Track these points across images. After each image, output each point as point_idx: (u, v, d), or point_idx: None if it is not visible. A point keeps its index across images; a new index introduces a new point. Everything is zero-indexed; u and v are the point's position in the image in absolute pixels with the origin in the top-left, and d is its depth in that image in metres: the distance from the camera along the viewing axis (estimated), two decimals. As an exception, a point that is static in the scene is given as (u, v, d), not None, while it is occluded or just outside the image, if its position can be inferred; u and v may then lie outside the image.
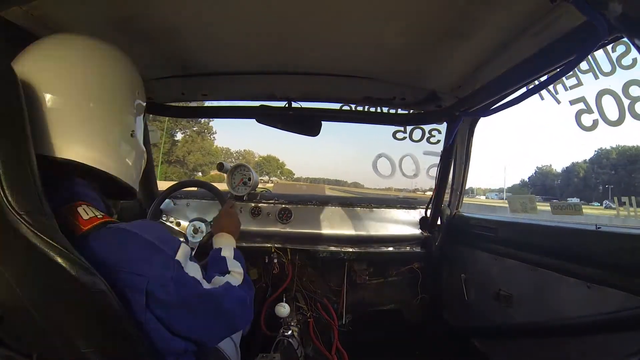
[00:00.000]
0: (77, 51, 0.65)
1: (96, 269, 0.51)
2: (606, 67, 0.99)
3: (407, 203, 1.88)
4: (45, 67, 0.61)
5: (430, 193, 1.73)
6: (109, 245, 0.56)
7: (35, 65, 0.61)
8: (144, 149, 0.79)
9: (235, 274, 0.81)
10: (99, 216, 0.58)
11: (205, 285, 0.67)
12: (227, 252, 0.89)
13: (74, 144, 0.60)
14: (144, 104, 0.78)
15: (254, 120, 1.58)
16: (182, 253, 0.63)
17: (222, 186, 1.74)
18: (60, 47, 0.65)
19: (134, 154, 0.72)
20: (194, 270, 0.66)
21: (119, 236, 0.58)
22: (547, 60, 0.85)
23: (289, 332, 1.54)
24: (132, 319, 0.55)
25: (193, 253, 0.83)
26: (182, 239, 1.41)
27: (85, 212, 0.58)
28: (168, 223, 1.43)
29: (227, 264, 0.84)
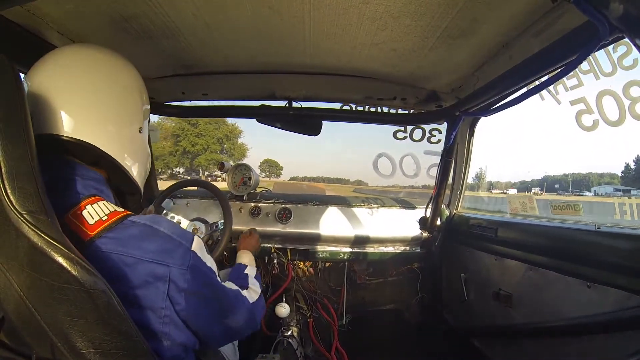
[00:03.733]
0: (92, 60, 0.70)
1: (112, 266, 0.55)
2: (607, 67, 0.99)
3: (407, 203, 1.88)
4: (60, 74, 0.66)
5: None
6: (128, 239, 0.59)
7: (51, 72, 0.66)
8: (150, 152, 0.82)
9: (252, 292, 0.88)
10: (103, 218, 0.60)
11: (219, 279, 0.72)
12: (250, 271, 1.00)
13: (83, 126, 0.64)
14: (149, 107, 0.81)
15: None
16: (197, 244, 0.67)
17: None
18: (76, 56, 0.70)
19: (141, 153, 0.75)
20: (210, 262, 0.71)
21: (139, 229, 0.61)
22: (547, 60, 0.85)
23: (289, 332, 1.55)
24: (151, 307, 0.59)
25: None
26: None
27: (90, 216, 0.59)
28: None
29: (248, 280, 0.94)
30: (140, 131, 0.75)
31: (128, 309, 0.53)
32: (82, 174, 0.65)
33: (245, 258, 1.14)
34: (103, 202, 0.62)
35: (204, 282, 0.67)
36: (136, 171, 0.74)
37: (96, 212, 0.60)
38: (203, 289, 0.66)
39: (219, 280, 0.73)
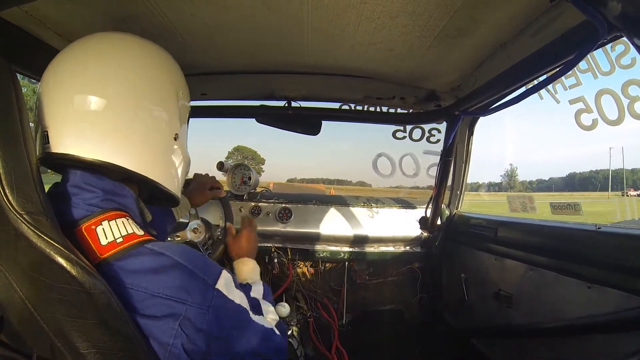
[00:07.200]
0: (118, 50, 0.62)
1: (120, 299, 0.51)
2: (605, 66, 0.99)
3: (407, 203, 1.88)
4: (83, 66, 0.59)
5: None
6: (142, 271, 0.54)
7: (72, 65, 0.60)
8: (189, 156, 0.75)
9: (269, 319, 0.73)
10: (118, 240, 0.54)
11: (252, 315, 0.66)
12: (257, 291, 0.81)
13: (111, 147, 0.58)
14: (189, 105, 0.74)
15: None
16: (223, 281, 0.60)
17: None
18: (102, 46, 0.62)
19: (176, 159, 0.68)
20: (240, 298, 0.64)
21: (156, 260, 0.56)
22: (546, 59, 0.85)
23: (289, 332, 1.54)
24: (158, 340, 0.54)
25: None
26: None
27: (104, 234, 0.54)
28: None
29: (260, 307, 0.76)
30: (176, 138, 0.67)
31: None
32: (104, 185, 0.59)
33: (244, 272, 0.92)
34: (123, 219, 0.57)
35: (231, 325, 0.60)
36: (174, 184, 0.68)
37: (112, 231, 0.55)
38: (230, 332, 0.59)
39: (251, 316, 0.65)
